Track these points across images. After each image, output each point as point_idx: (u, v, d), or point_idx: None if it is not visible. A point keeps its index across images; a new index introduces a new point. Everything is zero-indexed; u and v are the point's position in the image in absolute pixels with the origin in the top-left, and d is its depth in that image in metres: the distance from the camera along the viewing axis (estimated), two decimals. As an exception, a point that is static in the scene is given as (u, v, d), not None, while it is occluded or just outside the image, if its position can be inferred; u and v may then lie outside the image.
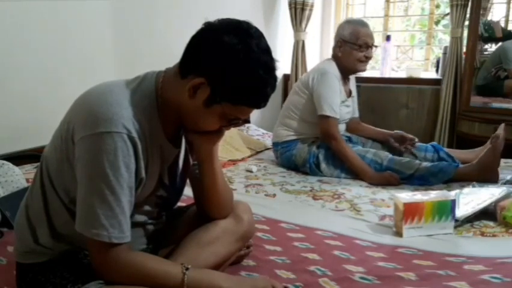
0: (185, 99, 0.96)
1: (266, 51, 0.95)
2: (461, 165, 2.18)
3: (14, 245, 1.12)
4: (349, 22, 2.40)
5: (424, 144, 2.44)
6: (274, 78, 0.97)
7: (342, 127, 2.46)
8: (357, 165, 2.21)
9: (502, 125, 2.24)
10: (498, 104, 3.18)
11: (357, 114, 2.59)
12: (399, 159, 2.20)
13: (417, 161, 2.19)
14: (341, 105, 2.36)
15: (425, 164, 2.15)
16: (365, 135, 2.55)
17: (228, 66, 0.92)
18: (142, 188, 1.01)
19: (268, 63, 0.95)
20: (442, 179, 2.08)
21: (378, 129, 2.57)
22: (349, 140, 2.46)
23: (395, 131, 2.47)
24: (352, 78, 2.55)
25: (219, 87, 0.94)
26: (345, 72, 2.41)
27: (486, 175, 2.01)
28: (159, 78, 1.02)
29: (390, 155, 2.22)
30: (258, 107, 0.98)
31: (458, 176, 2.08)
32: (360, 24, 2.35)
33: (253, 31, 0.95)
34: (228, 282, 1.02)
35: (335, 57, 2.40)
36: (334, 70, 2.35)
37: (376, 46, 2.40)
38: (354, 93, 2.56)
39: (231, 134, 2.76)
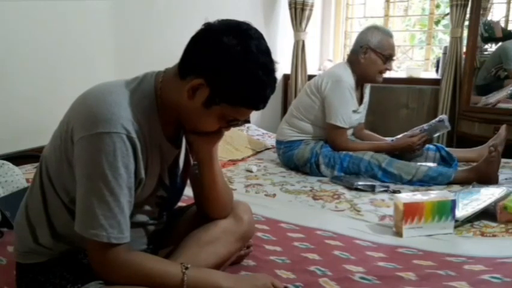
0: (184, 99, 0.96)
1: (266, 52, 0.95)
2: (459, 169, 2.18)
3: (14, 245, 1.12)
4: (377, 29, 2.32)
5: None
6: (274, 79, 0.96)
7: (349, 131, 2.44)
8: (378, 148, 2.30)
9: (504, 126, 2.24)
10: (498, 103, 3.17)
11: (363, 120, 2.56)
12: (397, 162, 2.18)
13: (416, 164, 2.19)
14: (352, 113, 2.34)
15: (423, 167, 2.14)
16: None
17: (227, 67, 0.92)
18: (141, 188, 1.01)
19: (268, 64, 0.94)
20: (441, 183, 2.08)
21: (382, 138, 2.52)
22: None
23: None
24: (368, 85, 2.49)
25: (218, 89, 0.93)
26: (361, 79, 2.36)
27: (484, 180, 2.00)
28: (158, 78, 1.02)
29: (388, 158, 2.20)
30: (257, 108, 0.98)
31: (457, 179, 2.07)
32: (389, 34, 2.30)
33: (252, 32, 0.95)
34: (227, 281, 1.02)
35: (353, 62, 2.33)
36: (348, 78, 2.30)
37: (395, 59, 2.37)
38: (367, 99, 2.52)
39: (231, 134, 2.76)
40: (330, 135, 2.33)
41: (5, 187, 1.69)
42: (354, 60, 2.34)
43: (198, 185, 1.17)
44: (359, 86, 2.40)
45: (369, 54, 2.28)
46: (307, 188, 2.10)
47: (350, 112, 2.31)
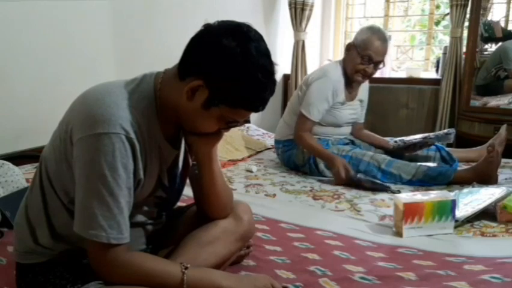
0: (183, 101, 0.96)
1: (265, 54, 0.94)
2: (459, 169, 2.18)
3: (14, 245, 1.12)
4: (371, 29, 2.26)
5: None
6: (273, 82, 0.96)
7: (346, 130, 2.44)
8: (321, 154, 2.23)
9: (504, 126, 2.24)
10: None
11: (362, 120, 2.55)
12: (397, 162, 2.18)
13: (417, 164, 2.18)
14: (339, 107, 2.33)
15: (423, 167, 2.14)
16: (368, 143, 2.49)
17: (226, 69, 0.92)
18: (140, 188, 1.01)
19: (267, 67, 0.94)
20: (441, 183, 2.08)
21: (382, 138, 2.51)
22: (352, 143, 2.45)
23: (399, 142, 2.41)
24: (365, 84, 2.45)
25: (217, 90, 0.93)
26: (347, 77, 2.34)
27: (484, 179, 2.00)
28: (158, 79, 1.02)
29: (388, 158, 2.20)
30: (256, 110, 0.97)
31: (457, 179, 2.07)
32: (379, 36, 2.20)
33: (252, 34, 0.94)
34: (227, 281, 1.02)
35: (344, 59, 2.35)
36: (334, 74, 2.30)
37: (383, 65, 2.30)
38: (364, 98, 2.50)
39: (231, 134, 2.76)
40: (296, 121, 2.32)
41: (5, 187, 1.69)
42: (343, 57, 2.35)
43: (198, 185, 1.17)
44: (352, 83, 2.35)
45: (351, 51, 2.27)
46: (307, 188, 2.10)
47: (323, 108, 2.28)
